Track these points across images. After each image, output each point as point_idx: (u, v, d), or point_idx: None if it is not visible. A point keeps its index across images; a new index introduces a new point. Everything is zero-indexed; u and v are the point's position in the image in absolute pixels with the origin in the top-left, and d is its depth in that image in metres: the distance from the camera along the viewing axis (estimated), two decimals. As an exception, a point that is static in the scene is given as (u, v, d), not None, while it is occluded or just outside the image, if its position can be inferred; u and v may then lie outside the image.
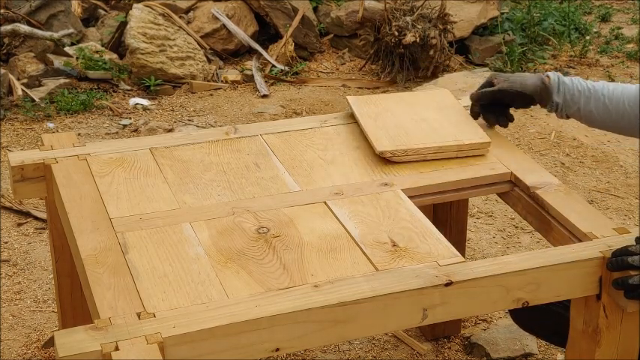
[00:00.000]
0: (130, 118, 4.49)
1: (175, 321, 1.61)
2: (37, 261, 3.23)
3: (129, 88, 4.81)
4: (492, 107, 2.30)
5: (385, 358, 2.74)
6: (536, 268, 1.78)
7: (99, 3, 5.57)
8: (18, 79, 4.62)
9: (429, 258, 1.82)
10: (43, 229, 3.39)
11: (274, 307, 1.65)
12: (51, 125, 4.37)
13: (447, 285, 1.73)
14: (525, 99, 2.23)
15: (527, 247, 3.34)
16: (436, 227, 1.94)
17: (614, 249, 1.82)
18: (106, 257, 1.80)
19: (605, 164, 4.02)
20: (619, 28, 5.94)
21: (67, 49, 4.93)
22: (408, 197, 2.06)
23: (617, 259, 1.78)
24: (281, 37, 5.32)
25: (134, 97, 4.73)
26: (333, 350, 2.77)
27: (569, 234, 1.98)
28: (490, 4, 5.54)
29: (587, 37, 5.63)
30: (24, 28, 4.84)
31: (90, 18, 5.51)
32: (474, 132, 2.29)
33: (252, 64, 5.14)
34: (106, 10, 5.56)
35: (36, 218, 3.49)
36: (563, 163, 4.02)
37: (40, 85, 4.65)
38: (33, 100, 4.50)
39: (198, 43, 5.07)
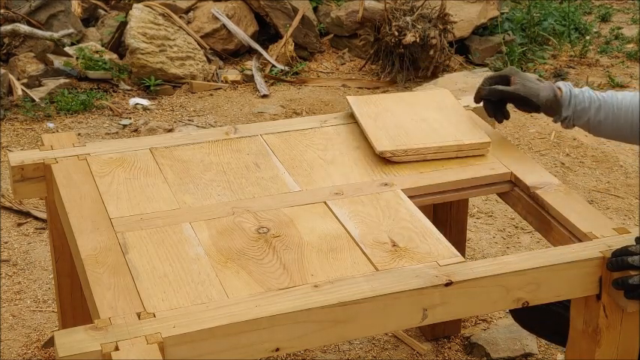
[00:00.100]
0: (130, 118, 4.49)
1: (175, 321, 1.61)
2: (37, 261, 3.23)
3: (129, 88, 4.81)
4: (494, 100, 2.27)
5: (385, 358, 2.74)
6: (536, 268, 1.78)
7: (99, 3, 5.57)
8: (18, 79, 4.62)
9: (429, 258, 1.82)
10: (43, 229, 3.39)
11: (274, 307, 1.65)
12: (51, 125, 4.37)
13: (447, 285, 1.73)
14: (532, 107, 2.19)
15: (527, 247, 3.34)
16: (436, 227, 1.94)
17: (614, 249, 1.82)
18: (106, 257, 1.80)
19: (605, 164, 4.02)
20: (619, 28, 5.94)
21: (67, 49, 4.93)
22: (408, 197, 2.06)
23: (617, 259, 1.79)
24: (281, 37, 5.32)
25: (134, 97, 4.73)
26: (333, 350, 2.77)
27: (569, 234, 1.98)
28: (490, 4, 5.54)
29: (587, 37, 5.63)
30: (24, 28, 4.84)
31: (90, 18, 5.51)
32: (474, 132, 2.29)
33: (252, 64, 5.14)
34: (106, 10, 5.56)
35: (36, 218, 3.49)
36: (563, 163, 4.02)
37: (40, 85, 4.65)
38: (33, 100, 4.50)
39: (198, 43, 5.08)
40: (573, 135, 4.25)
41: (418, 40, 4.95)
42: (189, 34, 5.07)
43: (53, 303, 2.95)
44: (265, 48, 5.31)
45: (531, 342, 2.77)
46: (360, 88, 5.04)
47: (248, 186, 2.10)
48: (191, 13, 5.28)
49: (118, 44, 5.04)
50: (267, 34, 5.46)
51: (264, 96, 4.83)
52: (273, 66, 5.15)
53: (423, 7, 5.09)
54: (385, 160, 2.20)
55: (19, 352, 2.76)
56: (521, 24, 5.56)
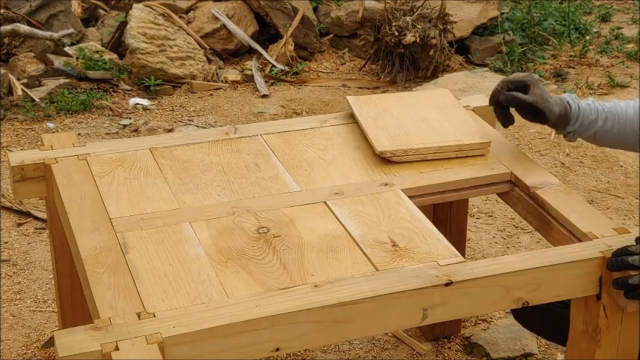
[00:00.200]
0: (130, 118, 4.49)
1: (175, 321, 1.61)
2: (37, 261, 3.23)
3: (129, 88, 4.81)
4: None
5: (385, 358, 2.74)
6: (536, 268, 1.78)
7: (99, 3, 5.57)
8: (18, 79, 4.62)
9: (429, 258, 1.82)
10: (43, 229, 3.39)
11: (274, 307, 1.65)
12: (51, 125, 4.37)
13: (447, 285, 1.73)
14: (542, 119, 2.16)
15: (527, 247, 3.34)
16: (436, 227, 1.94)
17: (615, 249, 1.82)
18: (106, 257, 1.80)
19: (605, 164, 4.02)
20: (619, 28, 5.94)
21: (67, 49, 4.93)
22: (408, 197, 2.06)
23: (617, 259, 1.79)
24: (281, 37, 5.32)
25: (134, 97, 4.73)
26: (333, 350, 2.77)
27: (569, 234, 1.98)
28: (490, 4, 5.54)
29: (587, 37, 5.63)
30: (24, 28, 4.84)
31: (90, 18, 5.51)
32: (474, 132, 2.28)
33: (252, 64, 5.14)
34: (106, 10, 5.56)
35: (36, 218, 3.49)
36: (563, 163, 4.02)
37: (40, 85, 4.65)
38: (33, 100, 4.50)
39: (198, 43, 5.07)
40: (573, 135, 4.24)
41: (418, 40, 4.95)
42: (189, 34, 5.07)
43: (53, 303, 2.95)
44: (265, 48, 5.31)
45: (531, 342, 2.77)
46: (360, 88, 5.04)
47: (248, 186, 2.10)
48: (191, 13, 5.28)
49: (118, 44, 5.04)
50: (267, 34, 5.46)
51: (264, 96, 4.83)
52: (273, 66, 5.15)
53: (423, 7, 5.09)
54: (385, 160, 2.20)
55: (19, 352, 2.76)
56: (522, 24, 5.56)
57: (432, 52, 4.99)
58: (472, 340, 2.78)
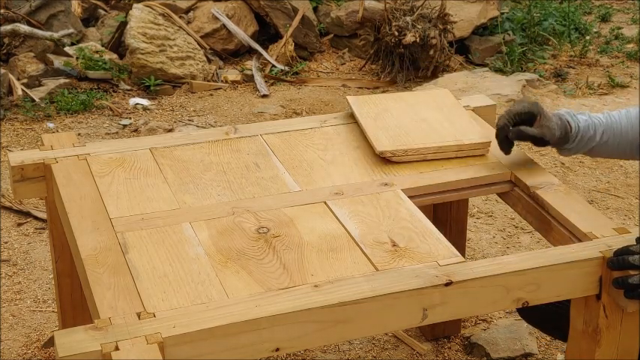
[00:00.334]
0: (130, 118, 4.49)
1: (175, 321, 1.61)
2: (37, 261, 3.23)
3: (129, 88, 4.81)
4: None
5: (385, 358, 2.74)
6: (536, 268, 1.78)
7: (99, 3, 5.57)
8: (18, 79, 4.62)
9: (429, 258, 1.82)
10: (43, 229, 3.39)
11: (274, 307, 1.65)
12: (51, 125, 4.37)
13: (447, 285, 1.73)
14: (545, 144, 2.16)
15: (527, 247, 3.34)
16: (436, 227, 1.94)
17: (615, 249, 1.82)
18: (106, 257, 1.80)
19: (605, 164, 4.02)
20: (619, 28, 5.95)
21: (67, 49, 4.93)
22: (408, 197, 2.06)
23: (619, 258, 1.79)
24: (281, 37, 5.32)
25: (134, 97, 4.73)
26: (333, 350, 2.77)
27: (569, 234, 1.98)
28: (490, 4, 5.54)
29: (587, 37, 5.63)
30: (24, 28, 4.84)
31: (90, 18, 5.51)
32: (473, 132, 2.28)
33: (252, 64, 5.14)
34: (106, 10, 5.56)
35: (36, 218, 3.49)
36: (563, 163, 4.02)
37: (40, 85, 4.65)
38: (33, 100, 4.50)
39: (198, 43, 5.08)
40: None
41: (418, 40, 4.95)
42: (189, 34, 5.07)
43: (53, 303, 2.95)
44: (265, 48, 5.31)
45: (531, 342, 2.77)
46: (360, 88, 5.04)
47: (248, 186, 2.10)
48: (191, 13, 5.28)
49: (118, 44, 5.04)
50: (267, 34, 5.47)
51: (264, 96, 4.83)
52: (273, 66, 5.15)
53: (423, 7, 5.09)
54: (385, 160, 2.20)
55: (19, 352, 2.76)
56: (522, 24, 5.56)
57: (432, 52, 4.99)
58: (472, 340, 2.78)
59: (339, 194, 2.06)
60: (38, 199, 3.37)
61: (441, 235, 1.91)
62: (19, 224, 3.47)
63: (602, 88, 4.95)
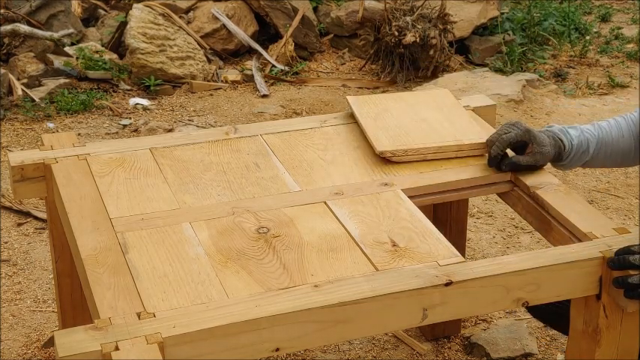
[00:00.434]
0: (130, 118, 4.49)
1: (175, 321, 1.61)
2: (37, 261, 3.23)
3: (129, 88, 4.81)
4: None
5: (385, 358, 2.74)
6: (536, 268, 1.78)
7: (99, 3, 5.57)
8: (18, 79, 4.62)
9: (429, 258, 1.82)
10: (43, 229, 3.39)
11: (274, 307, 1.65)
12: (51, 125, 4.37)
13: (447, 285, 1.73)
14: (539, 169, 2.18)
15: (527, 247, 3.34)
16: (436, 227, 1.94)
17: (615, 248, 1.82)
18: (106, 257, 1.80)
19: (605, 164, 4.02)
20: (619, 28, 5.95)
21: (67, 49, 4.93)
22: (408, 197, 2.06)
23: (619, 258, 1.79)
24: (281, 37, 5.32)
25: (134, 97, 4.73)
26: (333, 350, 2.77)
27: (569, 234, 1.98)
28: (490, 4, 5.54)
29: (587, 37, 5.63)
30: (24, 28, 4.84)
31: (90, 18, 5.51)
32: (473, 132, 2.28)
33: (252, 64, 5.14)
34: (106, 10, 5.56)
35: (36, 218, 3.49)
36: (563, 163, 4.02)
37: (40, 85, 4.65)
38: (33, 100, 4.50)
39: (198, 43, 5.08)
40: (573, 135, 4.24)
41: (418, 40, 4.95)
42: (189, 34, 5.07)
43: (53, 303, 2.95)
44: (265, 48, 5.31)
45: (531, 342, 2.77)
46: (360, 88, 5.04)
47: (248, 186, 2.10)
48: (191, 13, 5.28)
49: (118, 44, 5.04)
50: (267, 34, 5.47)
51: (264, 96, 4.83)
52: (273, 66, 5.15)
53: (423, 7, 5.09)
54: (385, 160, 2.20)
55: (19, 352, 2.76)
56: (522, 24, 5.56)
57: (432, 52, 4.99)
58: (472, 340, 2.78)
59: (339, 194, 2.06)
60: (38, 199, 3.37)
61: (441, 235, 1.91)
62: (19, 224, 3.47)
63: (602, 88, 4.95)
